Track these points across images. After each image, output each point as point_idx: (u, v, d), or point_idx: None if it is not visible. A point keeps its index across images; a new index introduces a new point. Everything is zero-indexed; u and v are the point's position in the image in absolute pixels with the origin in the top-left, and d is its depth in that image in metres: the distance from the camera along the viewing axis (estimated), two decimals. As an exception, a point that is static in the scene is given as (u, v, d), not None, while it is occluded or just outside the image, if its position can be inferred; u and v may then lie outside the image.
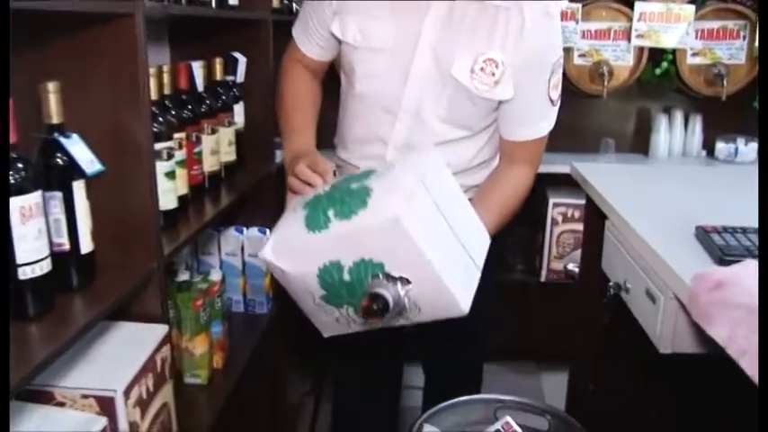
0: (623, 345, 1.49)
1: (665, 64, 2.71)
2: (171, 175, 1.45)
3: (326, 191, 1.25)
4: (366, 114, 1.52)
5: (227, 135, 1.85)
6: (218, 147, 1.79)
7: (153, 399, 1.23)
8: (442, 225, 1.19)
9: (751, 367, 0.77)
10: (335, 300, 1.21)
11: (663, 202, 1.48)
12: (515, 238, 2.98)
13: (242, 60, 1.98)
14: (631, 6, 2.63)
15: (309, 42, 1.59)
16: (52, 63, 1.17)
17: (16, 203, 0.99)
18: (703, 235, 1.17)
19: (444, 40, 1.39)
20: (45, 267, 1.05)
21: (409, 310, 1.17)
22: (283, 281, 1.25)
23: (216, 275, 1.83)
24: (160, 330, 1.29)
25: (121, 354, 1.20)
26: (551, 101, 1.46)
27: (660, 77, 2.75)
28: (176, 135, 1.49)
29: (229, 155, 1.88)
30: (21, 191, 1.00)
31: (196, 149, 1.65)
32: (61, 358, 1.06)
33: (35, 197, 1.02)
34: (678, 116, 2.83)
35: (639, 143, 2.91)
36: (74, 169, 1.11)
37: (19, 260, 1.01)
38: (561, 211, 2.75)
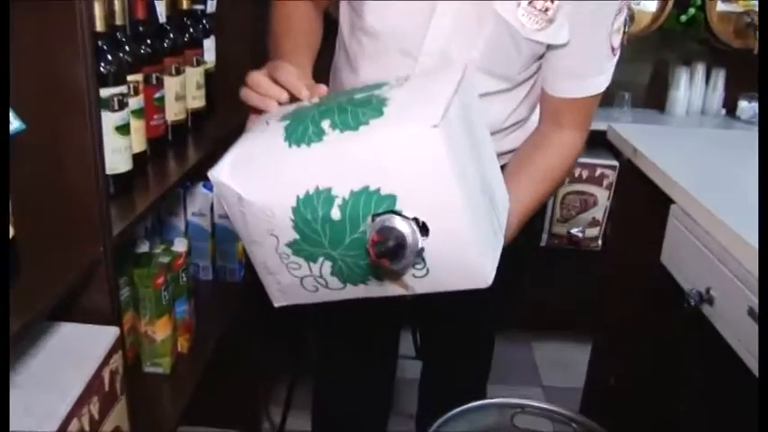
0: (688, 357, 1.23)
1: (692, 10, 2.41)
2: (123, 129, 1.13)
3: (314, 103, 0.89)
4: (376, 57, 1.20)
5: (194, 76, 1.52)
6: (183, 91, 1.46)
7: (100, 426, 0.95)
8: (474, 165, 0.86)
9: None
10: (310, 247, 0.84)
11: (746, 182, 1.19)
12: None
13: (215, -15, 1.63)
14: (658, -58, 2.32)
15: None
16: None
17: None
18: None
19: None
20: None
21: (416, 267, 0.84)
22: (237, 217, 0.86)
23: (180, 245, 1.53)
24: (109, 334, 1.00)
25: (56, 372, 0.91)
26: (612, 49, 1.15)
27: (685, 25, 2.46)
28: (131, 77, 1.17)
29: (198, 100, 1.55)
30: None
31: (157, 95, 1.33)
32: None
33: None
34: (700, 70, 2.55)
35: (654, 98, 2.63)
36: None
37: None
38: (567, 170, 2.48)
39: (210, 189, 1.79)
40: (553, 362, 2.77)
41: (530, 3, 1.06)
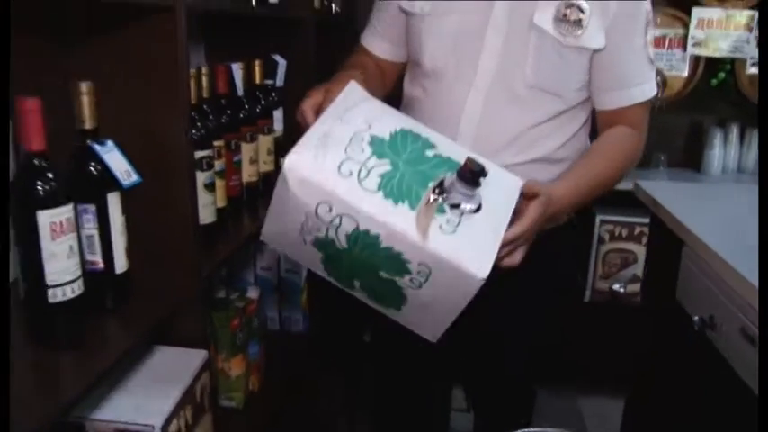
0: (701, 382, 1.35)
1: (722, 74, 2.57)
2: (210, 186, 1.34)
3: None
4: (434, 94, 1.34)
5: (266, 143, 1.73)
6: (257, 155, 1.67)
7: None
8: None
9: None
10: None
11: (745, 227, 1.34)
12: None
13: (282, 63, 1.86)
14: (688, 13, 2.49)
15: (374, 38, 1.46)
16: (86, 63, 1.06)
17: (45, 218, 0.89)
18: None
19: (515, 4, 1.24)
20: (77, 289, 0.94)
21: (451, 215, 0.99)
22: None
23: (253, 293, 1.72)
24: (199, 356, 1.18)
25: (159, 382, 1.09)
26: (650, 59, 1.29)
27: (716, 89, 2.61)
28: (216, 143, 1.38)
29: (268, 164, 1.76)
30: (50, 204, 0.89)
31: (235, 158, 1.54)
32: (92, 388, 0.95)
33: (66, 211, 0.91)
34: (734, 130, 2.67)
35: (691, 158, 2.76)
36: (109, 180, 1.00)
37: (49, 281, 0.91)
38: (608, 229, 2.62)
39: (277, 245, 1.99)
40: (599, 417, 2.81)
41: (564, 17, 1.21)
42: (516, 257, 1.12)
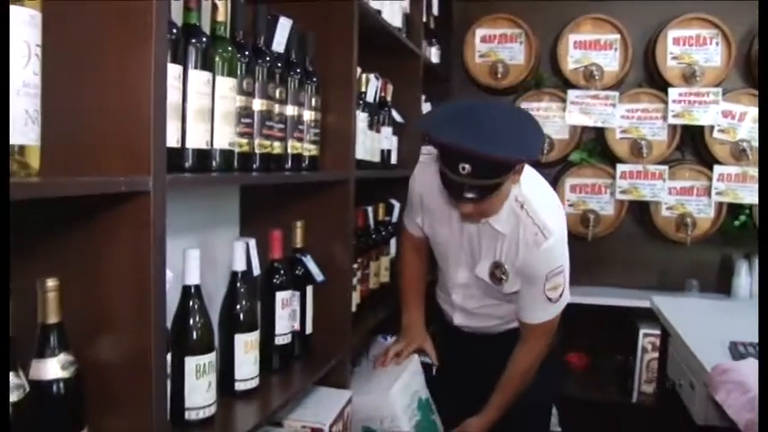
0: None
1: (742, 217, 3.17)
2: (354, 288, 2.07)
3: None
4: (444, 274, 2.13)
5: (384, 262, 2.47)
6: (378, 270, 2.40)
7: (342, 446, 1.79)
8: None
9: (737, 417, 1.27)
10: None
11: (714, 328, 1.97)
12: (611, 363, 3.44)
13: (396, 206, 2.62)
14: (711, 168, 3.15)
15: (409, 223, 2.19)
16: (298, 212, 1.83)
17: (279, 296, 1.63)
18: (734, 347, 1.67)
19: (472, 250, 1.96)
20: (288, 339, 1.67)
21: None
22: None
23: (370, 367, 2.40)
24: (347, 394, 1.87)
25: (325, 404, 1.78)
26: (549, 299, 1.91)
27: (739, 228, 3.21)
28: (359, 259, 2.12)
29: (385, 277, 2.49)
30: (282, 288, 1.64)
31: (366, 271, 2.28)
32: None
33: (289, 293, 1.66)
34: (757, 261, 3.23)
35: (723, 284, 3.33)
36: (308, 278, 1.75)
37: (277, 332, 1.64)
38: (651, 341, 3.19)
39: (385, 339, 2.67)
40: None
41: (492, 273, 1.92)
42: None
